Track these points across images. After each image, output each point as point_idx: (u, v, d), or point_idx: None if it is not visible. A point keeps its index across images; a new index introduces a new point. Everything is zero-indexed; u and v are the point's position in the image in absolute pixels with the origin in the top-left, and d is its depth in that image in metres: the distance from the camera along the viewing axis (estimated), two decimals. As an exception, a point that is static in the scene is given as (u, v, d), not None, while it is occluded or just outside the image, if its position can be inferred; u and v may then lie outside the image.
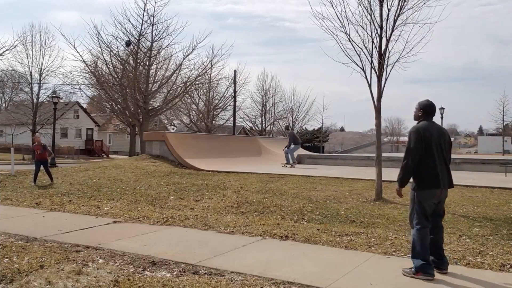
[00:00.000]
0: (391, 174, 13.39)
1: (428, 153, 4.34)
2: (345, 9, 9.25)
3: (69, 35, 71.65)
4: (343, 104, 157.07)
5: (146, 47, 30.09)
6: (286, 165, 16.97)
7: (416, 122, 4.59)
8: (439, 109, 34.01)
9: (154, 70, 31.67)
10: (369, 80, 9.22)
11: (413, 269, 4.28)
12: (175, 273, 4.40)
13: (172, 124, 49.21)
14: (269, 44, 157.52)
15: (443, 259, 4.38)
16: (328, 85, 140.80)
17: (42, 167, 12.62)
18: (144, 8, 28.78)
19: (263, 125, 45.05)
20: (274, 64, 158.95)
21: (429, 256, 4.29)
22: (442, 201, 4.48)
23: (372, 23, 9.06)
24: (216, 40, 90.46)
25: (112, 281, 4.08)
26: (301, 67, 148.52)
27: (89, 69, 30.02)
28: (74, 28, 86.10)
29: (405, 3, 8.85)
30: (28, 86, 36.50)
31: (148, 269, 4.51)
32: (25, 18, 65.62)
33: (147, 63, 30.37)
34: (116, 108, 32.80)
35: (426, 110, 4.55)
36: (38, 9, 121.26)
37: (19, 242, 5.63)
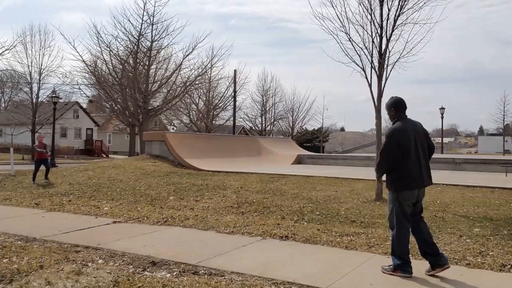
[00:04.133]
0: (391, 174, 13.40)
1: (406, 155, 4.34)
2: (345, 9, 9.27)
3: (71, 35, 71.54)
4: (344, 104, 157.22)
5: (145, 47, 30.07)
6: None
7: (392, 123, 4.56)
8: (440, 108, 33.94)
9: (154, 70, 31.64)
10: (369, 80, 9.22)
11: (391, 267, 4.37)
12: (175, 273, 4.38)
13: (172, 124, 49.14)
14: (272, 45, 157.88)
15: (439, 254, 4.34)
16: (328, 85, 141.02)
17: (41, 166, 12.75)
18: (144, 8, 28.78)
19: (263, 125, 45.01)
20: (277, 65, 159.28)
21: (408, 256, 4.37)
22: (420, 199, 4.51)
23: (372, 23, 9.07)
24: (220, 41, 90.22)
25: (111, 281, 4.07)
26: (303, 67, 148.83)
27: (89, 69, 29.99)
28: (80, 29, 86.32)
29: (405, 3, 8.86)
30: (28, 86, 36.37)
31: (148, 269, 4.50)
32: (33, 20, 65.92)
33: (147, 63, 30.33)
34: (115, 108, 32.77)
35: (397, 107, 4.54)
36: (45, 11, 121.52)
37: (19, 242, 5.61)
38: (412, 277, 4.28)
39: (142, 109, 29.74)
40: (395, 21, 8.91)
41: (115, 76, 29.82)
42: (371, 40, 9.10)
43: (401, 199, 4.37)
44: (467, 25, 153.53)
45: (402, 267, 4.31)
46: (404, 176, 4.36)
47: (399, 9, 8.86)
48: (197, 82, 32.71)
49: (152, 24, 29.21)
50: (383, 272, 4.42)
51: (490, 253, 5.10)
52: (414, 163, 4.38)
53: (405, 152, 4.34)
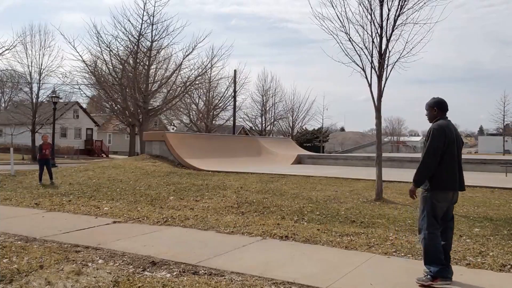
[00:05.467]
0: (392, 174, 13.41)
1: (449, 152, 4.16)
2: (345, 9, 9.28)
3: (71, 35, 71.65)
4: (344, 104, 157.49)
5: (145, 47, 30.05)
6: None
7: (433, 122, 4.35)
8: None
9: (154, 70, 31.62)
10: (369, 80, 9.23)
11: (429, 276, 4.04)
12: (175, 273, 4.39)
13: (172, 124, 49.14)
14: (272, 45, 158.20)
15: (448, 265, 4.16)
16: (328, 85, 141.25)
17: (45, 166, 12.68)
18: (144, 8, 28.76)
19: (263, 125, 45.00)
20: (277, 65, 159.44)
21: (443, 258, 4.10)
22: (453, 203, 4.32)
23: (372, 23, 9.07)
24: (220, 41, 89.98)
25: (111, 281, 4.07)
26: (303, 67, 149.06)
27: (89, 69, 29.98)
28: (80, 29, 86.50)
29: (405, 3, 8.86)
30: (28, 86, 36.31)
31: (148, 269, 4.50)
32: (33, 20, 66.32)
33: (147, 63, 30.32)
34: (115, 108, 32.77)
35: (441, 107, 4.35)
36: (45, 11, 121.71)
37: (19, 242, 5.61)
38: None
39: (142, 109, 29.73)
40: (395, 21, 8.91)
41: (115, 76, 29.81)
42: (371, 40, 9.11)
43: (434, 199, 4.14)
44: (467, 25, 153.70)
45: (442, 273, 4.01)
46: (442, 175, 4.12)
47: (399, 9, 8.86)
48: (197, 82, 32.70)
49: (152, 24, 29.21)
50: (421, 284, 4.04)
51: (490, 253, 5.10)
52: (454, 164, 4.20)
53: (447, 149, 4.15)
